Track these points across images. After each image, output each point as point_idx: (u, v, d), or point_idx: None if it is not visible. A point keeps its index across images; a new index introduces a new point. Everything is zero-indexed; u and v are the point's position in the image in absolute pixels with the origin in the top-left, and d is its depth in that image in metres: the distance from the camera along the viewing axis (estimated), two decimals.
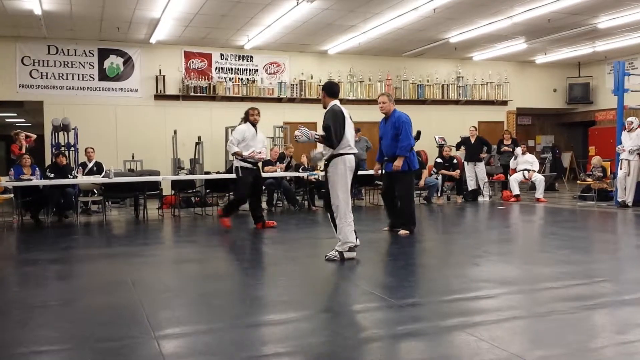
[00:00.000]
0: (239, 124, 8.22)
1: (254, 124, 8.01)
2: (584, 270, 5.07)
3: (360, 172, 11.39)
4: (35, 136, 11.36)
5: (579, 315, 3.67)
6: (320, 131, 5.76)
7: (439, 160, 12.48)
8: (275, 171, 10.78)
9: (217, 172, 11.50)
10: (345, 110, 5.73)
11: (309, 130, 5.69)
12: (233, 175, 10.57)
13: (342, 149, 5.57)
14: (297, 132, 5.66)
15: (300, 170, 11.12)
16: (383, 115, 7.38)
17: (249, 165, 7.91)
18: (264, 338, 3.34)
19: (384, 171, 7.44)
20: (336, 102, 5.73)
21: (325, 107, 5.77)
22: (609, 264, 5.51)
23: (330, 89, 5.83)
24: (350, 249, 5.51)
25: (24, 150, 10.53)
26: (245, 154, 7.82)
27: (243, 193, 8.00)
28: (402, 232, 7.06)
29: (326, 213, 6.00)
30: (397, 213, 7.38)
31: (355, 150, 5.74)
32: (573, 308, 3.79)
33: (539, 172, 12.28)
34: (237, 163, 7.94)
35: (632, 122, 10.12)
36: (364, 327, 3.56)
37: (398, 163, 7.03)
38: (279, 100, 14.64)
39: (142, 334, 3.34)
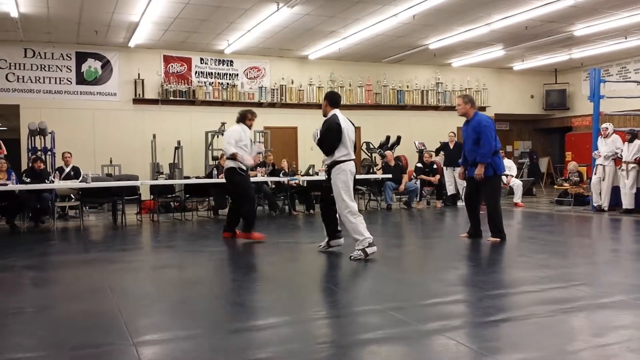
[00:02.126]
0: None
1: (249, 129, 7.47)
2: (561, 274, 5.12)
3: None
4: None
5: (556, 318, 3.70)
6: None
7: (419, 165, 12.57)
8: (256, 175, 10.73)
9: (197, 177, 11.43)
10: (344, 118, 6.04)
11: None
12: (217, 180, 10.54)
13: (342, 157, 5.93)
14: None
15: (281, 175, 11.10)
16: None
17: (244, 168, 7.27)
18: (245, 344, 3.31)
19: (466, 176, 7.14)
20: (336, 111, 6.05)
21: (325, 116, 6.09)
22: (586, 268, 5.58)
23: (332, 99, 6.18)
24: (370, 244, 5.75)
25: None
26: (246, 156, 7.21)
27: (251, 196, 7.39)
28: (492, 239, 6.82)
29: (324, 213, 6.27)
30: (478, 220, 7.09)
31: (353, 157, 6.06)
32: (551, 311, 3.82)
33: (517, 177, 12.42)
34: (233, 164, 7.18)
35: (607, 128, 10.29)
36: (345, 332, 3.55)
37: (479, 171, 6.72)
38: (259, 105, 14.60)
39: (120, 341, 3.30)
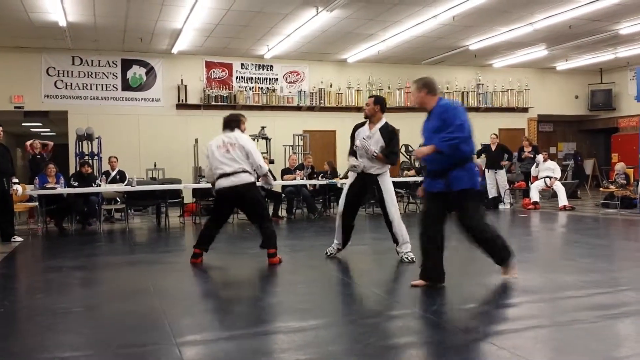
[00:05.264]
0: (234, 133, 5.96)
1: None
2: (607, 279, 5.00)
3: None
4: (52, 143, 11.84)
5: (602, 324, 3.62)
6: (376, 148, 5.80)
7: None
8: (295, 179, 10.82)
9: None
10: None
11: (369, 145, 5.80)
12: (259, 184, 10.48)
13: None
14: (358, 143, 5.84)
15: (320, 178, 11.13)
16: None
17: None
18: (284, 345, 3.35)
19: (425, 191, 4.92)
20: (385, 118, 6.01)
21: (370, 117, 5.93)
22: (632, 272, 5.42)
23: (384, 105, 6.00)
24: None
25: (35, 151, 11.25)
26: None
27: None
28: (509, 274, 4.80)
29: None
30: (436, 259, 4.79)
31: None
32: (596, 317, 3.74)
33: (561, 179, 12.15)
34: (254, 179, 6.06)
35: None
36: (384, 335, 3.55)
37: (426, 150, 4.49)
38: (298, 108, 14.71)
39: (163, 340, 3.38)
